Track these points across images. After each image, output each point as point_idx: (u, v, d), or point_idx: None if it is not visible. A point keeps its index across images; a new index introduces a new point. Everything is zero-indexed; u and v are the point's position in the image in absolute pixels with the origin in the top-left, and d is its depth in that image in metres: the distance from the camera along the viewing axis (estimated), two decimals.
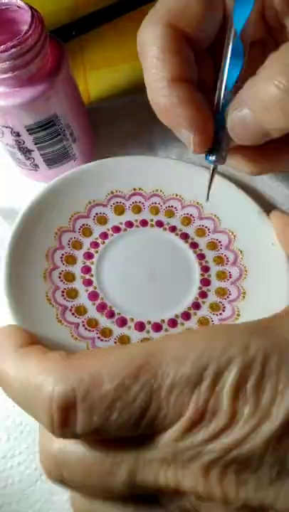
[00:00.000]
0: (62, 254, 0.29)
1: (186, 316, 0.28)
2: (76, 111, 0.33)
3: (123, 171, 0.32)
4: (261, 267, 0.30)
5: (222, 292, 0.29)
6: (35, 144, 0.31)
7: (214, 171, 0.28)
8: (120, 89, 0.41)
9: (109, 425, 0.18)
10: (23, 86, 0.28)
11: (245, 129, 0.24)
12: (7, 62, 0.27)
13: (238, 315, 0.28)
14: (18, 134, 0.30)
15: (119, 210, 0.31)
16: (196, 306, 0.29)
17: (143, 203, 0.32)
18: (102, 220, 0.31)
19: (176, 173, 0.33)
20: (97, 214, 0.31)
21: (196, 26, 0.25)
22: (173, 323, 0.28)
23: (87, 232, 0.30)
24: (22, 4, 0.28)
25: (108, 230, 0.31)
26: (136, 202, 0.32)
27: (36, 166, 0.33)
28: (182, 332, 0.20)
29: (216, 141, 0.26)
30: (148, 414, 0.17)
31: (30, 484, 0.26)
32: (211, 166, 0.28)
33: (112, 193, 0.32)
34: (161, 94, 0.25)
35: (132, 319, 0.28)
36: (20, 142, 0.31)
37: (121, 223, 0.31)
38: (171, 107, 0.25)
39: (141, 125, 0.38)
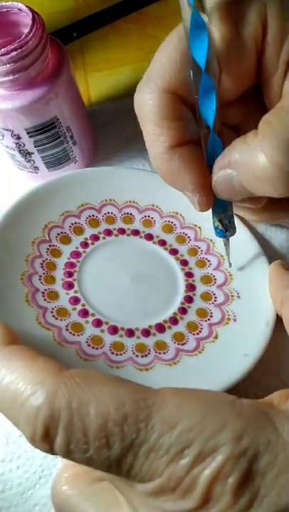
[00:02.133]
0: (43, 261, 0.29)
1: (174, 320, 0.28)
2: (77, 113, 0.32)
3: (94, 183, 0.32)
4: (247, 272, 0.30)
5: (208, 297, 0.29)
6: (36, 146, 0.31)
7: (228, 241, 0.29)
8: (121, 91, 0.41)
9: (84, 458, 0.17)
10: (23, 89, 0.28)
11: (230, 189, 0.25)
12: (8, 65, 0.27)
13: (228, 319, 0.28)
14: (18, 137, 0.30)
15: (94, 223, 0.31)
16: (183, 310, 0.29)
17: (115, 214, 0.32)
18: (78, 230, 0.31)
19: (152, 184, 0.33)
20: (72, 224, 0.31)
21: (191, 90, 0.25)
22: (160, 328, 0.28)
23: (65, 240, 0.30)
24: (23, 7, 0.28)
25: (86, 239, 0.31)
26: (108, 212, 0.32)
27: (36, 168, 0.33)
28: (180, 389, 0.19)
29: (219, 205, 0.27)
30: (123, 463, 0.17)
31: (29, 488, 0.26)
32: (223, 240, 0.29)
33: (82, 205, 0.32)
34: (163, 160, 0.26)
35: (108, 322, 0.27)
36: (20, 145, 0.31)
37: (100, 233, 0.31)
38: (173, 172, 0.26)
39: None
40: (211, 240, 0.31)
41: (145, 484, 0.17)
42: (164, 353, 0.27)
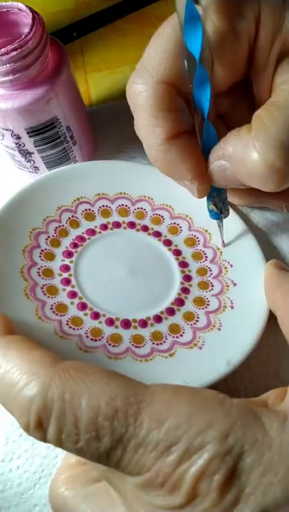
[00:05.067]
0: (41, 251, 0.29)
1: (171, 311, 0.28)
2: (77, 113, 0.32)
3: (91, 176, 0.32)
4: (242, 263, 0.30)
5: (204, 286, 0.30)
6: (36, 146, 0.31)
7: (222, 223, 0.30)
8: (121, 91, 0.40)
9: (75, 448, 0.18)
10: (23, 89, 0.28)
11: (224, 178, 0.26)
12: (8, 65, 0.27)
13: (225, 307, 0.28)
14: (18, 137, 0.30)
15: (89, 216, 0.31)
16: (180, 302, 0.29)
17: (110, 207, 0.32)
18: (74, 223, 0.31)
19: (144, 176, 0.33)
20: (69, 218, 0.31)
21: (185, 80, 0.25)
22: (158, 319, 0.28)
23: (63, 233, 0.30)
24: (23, 7, 0.28)
25: (83, 233, 0.31)
26: (103, 206, 0.32)
27: (36, 168, 0.33)
28: (170, 386, 0.19)
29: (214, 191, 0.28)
30: (112, 456, 0.17)
31: (29, 488, 0.26)
32: (217, 222, 0.30)
33: (77, 199, 0.32)
34: (159, 151, 0.26)
35: (104, 314, 0.28)
36: (20, 145, 0.31)
37: (96, 226, 0.31)
38: (171, 163, 0.26)
39: None
40: (207, 231, 0.32)
41: (134, 477, 0.17)
42: (160, 343, 0.27)
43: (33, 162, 0.33)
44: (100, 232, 0.31)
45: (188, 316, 0.28)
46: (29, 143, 0.31)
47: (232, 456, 0.17)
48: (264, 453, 0.17)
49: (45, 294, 0.28)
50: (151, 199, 0.32)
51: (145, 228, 0.31)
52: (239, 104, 0.29)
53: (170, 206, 0.32)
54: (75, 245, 0.30)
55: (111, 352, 0.26)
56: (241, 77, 0.27)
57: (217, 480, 0.17)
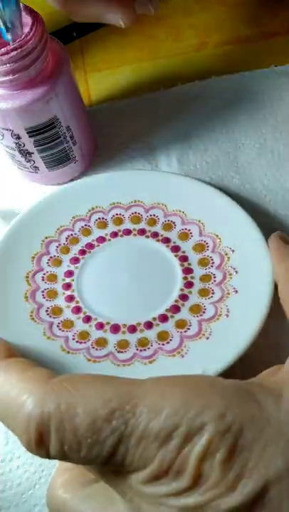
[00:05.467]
0: (49, 259, 0.31)
1: (176, 308, 0.29)
2: (77, 113, 0.32)
3: (102, 188, 0.34)
4: (247, 267, 0.30)
5: (205, 293, 0.29)
6: (36, 146, 0.31)
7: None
8: (121, 91, 0.40)
9: (79, 457, 0.18)
10: (23, 88, 0.28)
11: None
12: (7, 65, 0.27)
13: (220, 314, 0.28)
14: (18, 137, 0.30)
15: (102, 224, 0.32)
16: (178, 305, 0.29)
17: (123, 215, 0.33)
18: (86, 231, 0.32)
19: (153, 184, 0.33)
20: (82, 227, 0.32)
21: None
22: (163, 318, 0.28)
23: (73, 241, 0.32)
24: (23, 7, 0.28)
25: (93, 240, 0.32)
26: (117, 214, 0.33)
27: (36, 168, 0.33)
28: (162, 378, 0.19)
29: None
30: (116, 456, 0.18)
31: (29, 488, 0.26)
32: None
33: (92, 208, 0.33)
34: None
35: (125, 325, 0.28)
36: (20, 145, 0.31)
37: (106, 234, 0.32)
38: None
39: (142, 127, 0.38)
40: (200, 221, 0.32)
41: (140, 473, 0.18)
42: (167, 342, 0.27)
43: (33, 162, 0.33)
44: (109, 240, 0.32)
45: (182, 324, 0.28)
46: (29, 143, 0.31)
47: (232, 433, 0.17)
48: (263, 428, 0.17)
49: (50, 316, 0.29)
50: (165, 205, 0.33)
51: (155, 234, 0.32)
52: None
53: (183, 212, 0.32)
54: (83, 252, 0.31)
55: (120, 359, 0.27)
56: None
57: (219, 458, 0.17)
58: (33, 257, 0.31)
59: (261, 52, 0.42)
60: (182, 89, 0.40)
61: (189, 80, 0.40)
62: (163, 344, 0.27)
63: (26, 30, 0.27)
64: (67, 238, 0.32)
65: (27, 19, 0.28)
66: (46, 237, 0.32)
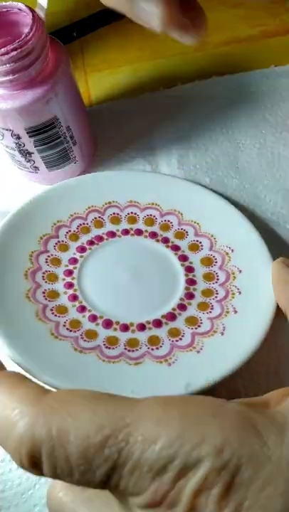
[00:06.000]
0: (48, 257, 0.30)
1: (172, 316, 0.28)
2: (76, 113, 0.32)
3: (102, 186, 0.33)
4: (249, 267, 0.30)
5: (209, 293, 0.30)
6: (36, 146, 0.31)
7: None
8: (121, 91, 0.40)
9: (73, 481, 0.18)
10: (23, 89, 0.28)
11: None
12: (8, 65, 0.27)
13: (228, 312, 0.28)
14: (18, 137, 0.30)
15: (99, 223, 0.32)
16: (182, 306, 0.29)
17: (120, 214, 0.33)
18: (85, 229, 0.32)
19: (153, 185, 0.34)
20: (80, 225, 0.32)
21: None
22: (158, 323, 0.28)
23: (72, 237, 0.32)
24: (23, 7, 0.28)
25: (92, 238, 0.32)
26: (114, 213, 0.33)
27: (36, 168, 0.33)
28: (160, 400, 0.18)
29: None
30: (110, 483, 0.17)
31: (29, 488, 0.26)
32: None
33: (88, 208, 0.33)
34: None
35: (118, 322, 0.28)
36: (20, 145, 0.31)
37: (103, 233, 0.32)
38: None
39: (142, 127, 0.38)
40: (197, 223, 0.32)
41: (133, 498, 0.17)
42: (156, 348, 0.27)
43: (33, 162, 0.33)
44: (107, 239, 0.32)
45: (175, 333, 0.28)
46: (29, 143, 0.31)
47: (229, 470, 0.16)
48: (262, 466, 0.16)
49: (56, 315, 0.28)
50: (159, 206, 0.33)
51: (153, 235, 0.32)
52: None
53: (179, 212, 0.33)
54: (83, 249, 0.31)
55: (131, 357, 0.27)
56: None
57: (214, 494, 0.16)
58: (31, 255, 0.30)
59: (261, 52, 0.42)
60: (182, 89, 0.40)
61: (189, 80, 0.40)
62: (152, 349, 0.27)
63: (26, 30, 0.27)
64: (66, 234, 0.32)
65: (27, 19, 0.28)
66: (44, 234, 0.31)
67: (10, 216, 0.31)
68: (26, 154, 0.32)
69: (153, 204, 0.33)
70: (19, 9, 0.29)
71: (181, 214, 0.32)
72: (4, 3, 0.29)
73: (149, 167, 0.36)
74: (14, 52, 0.26)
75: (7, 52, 0.26)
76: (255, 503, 0.16)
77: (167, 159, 0.36)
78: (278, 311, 0.28)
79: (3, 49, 0.26)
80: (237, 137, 0.37)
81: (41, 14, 0.28)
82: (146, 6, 0.23)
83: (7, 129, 0.30)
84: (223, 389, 0.27)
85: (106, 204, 0.33)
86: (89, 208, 0.33)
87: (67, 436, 0.17)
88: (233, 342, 0.27)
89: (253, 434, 0.17)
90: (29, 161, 0.33)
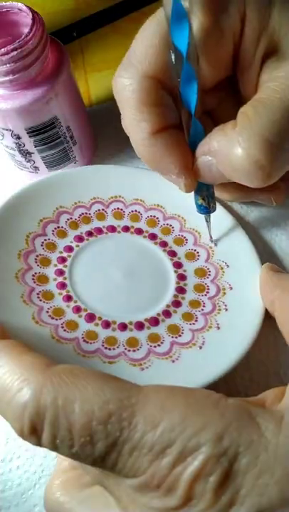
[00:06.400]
0: (37, 256, 0.29)
1: (167, 313, 0.28)
2: (76, 113, 0.32)
3: (86, 180, 0.33)
4: (235, 263, 0.30)
5: (201, 288, 0.29)
6: (36, 146, 0.31)
7: (210, 217, 0.30)
8: None
9: (70, 453, 0.18)
10: (23, 89, 0.28)
11: (210, 174, 0.26)
12: (7, 65, 0.27)
13: (220, 309, 0.28)
14: (18, 137, 0.30)
15: (86, 219, 0.32)
16: (176, 303, 0.29)
17: (105, 210, 0.32)
18: (73, 224, 0.31)
19: (137, 180, 0.33)
20: (67, 220, 0.31)
21: (171, 74, 0.25)
22: (155, 321, 0.28)
23: (61, 234, 0.31)
24: (23, 7, 0.28)
25: (81, 233, 0.31)
26: (99, 210, 0.32)
27: (36, 168, 0.33)
28: (164, 389, 0.19)
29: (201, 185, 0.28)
30: (107, 460, 0.17)
31: (29, 488, 0.26)
32: (204, 216, 0.30)
33: (75, 203, 0.32)
34: (145, 146, 0.26)
35: (100, 317, 0.27)
36: (20, 145, 0.31)
37: (92, 228, 0.31)
38: (156, 158, 0.26)
39: None
40: (182, 218, 0.32)
41: (130, 480, 0.17)
42: (158, 345, 0.27)
43: (33, 162, 0.33)
44: (95, 236, 0.31)
45: (187, 317, 0.28)
46: (29, 143, 0.31)
47: (227, 457, 0.17)
48: (259, 454, 0.17)
49: (40, 300, 0.28)
50: (143, 201, 0.33)
51: (139, 231, 0.32)
52: (226, 100, 0.29)
53: (162, 207, 0.32)
54: (70, 249, 0.30)
55: (107, 355, 0.26)
56: (227, 74, 0.27)
57: (212, 481, 0.17)
58: (19, 254, 0.29)
59: None
60: None
61: None
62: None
63: (26, 30, 0.27)
64: (53, 231, 0.31)
65: (27, 19, 0.28)
66: (30, 232, 0.30)
67: (11, 196, 0.30)
68: (26, 154, 0.32)
69: (137, 200, 0.33)
70: (19, 9, 0.29)
71: (185, 220, 0.32)
72: (4, 3, 0.29)
73: None
74: (14, 53, 0.27)
75: (7, 53, 0.26)
76: (252, 491, 0.16)
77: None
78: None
79: (3, 49, 0.27)
80: None
81: None
82: (263, 197, 0.30)
83: (7, 129, 0.30)
84: (223, 389, 0.27)
85: (111, 198, 0.32)
86: (94, 198, 0.32)
87: (73, 407, 0.17)
88: (230, 337, 0.27)
89: (251, 425, 0.18)
90: (29, 161, 0.33)
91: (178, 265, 0.30)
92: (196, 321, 0.28)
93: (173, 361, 0.26)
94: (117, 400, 0.18)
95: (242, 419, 0.18)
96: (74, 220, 0.31)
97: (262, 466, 0.17)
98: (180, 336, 0.27)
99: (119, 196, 0.33)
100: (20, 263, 0.29)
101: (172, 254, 0.31)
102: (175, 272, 0.30)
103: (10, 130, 0.30)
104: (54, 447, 0.18)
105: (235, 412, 0.18)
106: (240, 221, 0.32)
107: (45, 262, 0.29)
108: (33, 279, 0.28)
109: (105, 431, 0.17)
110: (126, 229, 0.32)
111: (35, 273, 0.29)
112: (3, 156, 0.34)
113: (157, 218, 0.32)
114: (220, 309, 0.28)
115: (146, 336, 0.27)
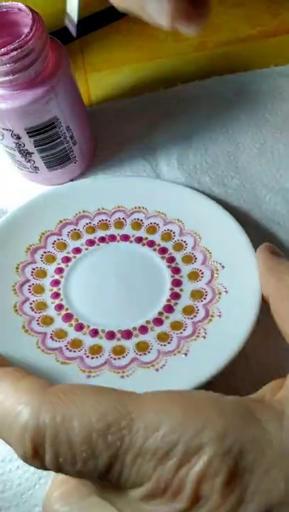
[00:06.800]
0: (30, 286, 0.30)
1: (158, 321, 0.28)
2: (76, 113, 0.32)
3: (90, 192, 0.33)
4: (232, 265, 0.30)
5: (197, 295, 0.29)
6: (36, 146, 0.31)
7: None
8: (121, 91, 0.40)
9: (74, 471, 0.18)
10: (23, 89, 0.28)
11: None
12: (7, 65, 0.27)
13: (212, 316, 0.28)
14: (18, 137, 0.30)
15: (90, 229, 0.32)
16: (169, 308, 0.29)
17: (109, 220, 0.32)
18: (61, 245, 0.32)
19: (158, 192, 0.33)
20: (54, 242, 0.32)
21: None
22: (144, 329, 0.28)
23: (61, 246, 0.31)
24: (23, 7, 0.28)
25: (69, 253, 0.31)
26: (102, 220, 0.32)
27: (36, 168, 0.33)
28: (161, 393, 0.19)
29: None
30: (112, 472, 0.17)
31: (28, 488, 0.26)
32: None
33: (79, 213, 0.33)
34: None
35: (103, 330, 0.28)
36: (20, 145, 0.31)
37: (82, 244, 0.31)
38: None
39: (142, 127, 0.38)
40: (181, 221, 0.32)
41: (136, 489, 0.17)
42: (144, 354, 0.27)
43: (33, 162, 0.33)
44: (98, 244, 0.31)
45: (176, 325, 0.28)
46: (29, 143, 0.31)
47: (232, 455, 0.17)
48: (265, 450, 0.17)
49: (33, 310, 0.28)
50: (145, 209, 0.33)
51: (139, 239, 0.32)
52: None
53: (163, 213, 0.32)
54: (67, 259, 0.31)
55: (115, 366, 0.26)
56: None
57: (219, 481, 0.16)
58: (17, 267, 0.30)
59: (261, 52, 0.42)
60: (182, 89, 0.40)
61: (189, 80, 0.40)
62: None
63: (26, 30, 0.27)
64: (53, 244, 0.31)
65: (27, 19, 0.28)
66: (30, 245, 0.31)
67: (13, 210, 0.31)
68: (26, 154, 0.32)
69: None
70: (19, 9, 0.29)
71: (183, 224, 0.32)
72: (4, 3, 0.29)
73: (149, 167, 0.36)
74: (14, 53, 0.26)
75: (7, 53, 0.26)
76: (260, 487, 0.16)
77: (167, 159, 0.36)
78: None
79: (3, 49, 0.26)
80: (237, 137, 0.37)
81: (72, 30, 0.28)
82: (153, 8, 0.24)
83: (7, 129, 0.30)
84: (223, 389, 0.27)
85: (96, 211, 0.33)
86: (79, 213, 0.33)
87: (71, 423, 0.17)
88: (215, 344, 0.26)
89: (252, 421, 0.17)
90: (29, 161, 0.33)
91: (175, 271, 0.30)
92: (184, 329, 0.28)
93: (157, 370, 0.26)
94: (114, 410, 0.17)
95: (242, 415, 0.18)
96: (62, 240, 0.32)
97: (268, 461, 0.17)
98: (169, 343, 0.27)
99: (121, 206, 0.33)
100: (17, 275, 0.29)
101: (170, 260, 0.31)
102: (168, 266, 0.30)
103: (10, 130, 0.30)
104: (58, 467, 0.18)
105: (235, 409, 0.18)
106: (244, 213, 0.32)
107: (42, 274, 0.30)
108: (29, 289, 0.29)
109: (106, 442, 0.17)
110: (126, 238, 0.32)
111: (32, 284, 0.29)
112: (3, 156, 0.34)
113: (158, 225, 0.32)
114: (212, 315, 0.28)
115: (133, 344, 0.27)
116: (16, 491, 0.26)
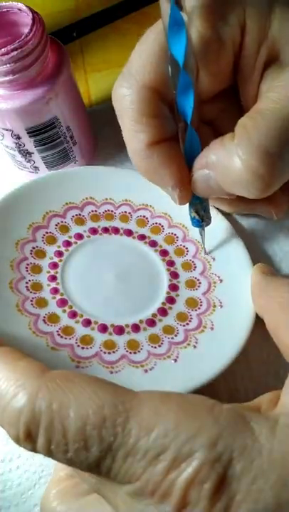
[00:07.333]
0: (28, 264, 0.29)
1: (163, 311, 0.28)
2: (76, 113, 0.32)
3: (76, 182, 0.32)
4: (231, 280, 0.30)
5: (192, 303, 0.29)
6: (36, 146, 0.31)
7: (204, 231, 0.30)
8: None
9: (65, 458, 0.18)
10: (23, 89, 0.28)
11: (207, 188, 0.26)
12: (7, 65, 0.27)
13: (205, 327, 0.28)
14: (18, 137, 0.30)
15: (79, 221, 0.31)
16: (163, 311, 0.28)
17: (97, 211, 0.32)
18: (64, 228, 0.31)
19: (126, 181, 0.33)
20: (57, 224, 0.31)
21: (169, 86, 0.25)
22: (136, 327, 0.27)
23: (51, 240, 0.30)
24: (23, 7, 0.28)
25: (70, 237, 0.30)
26: (92, 211, 0.32)
27: (36, 168, 0.33)
28: (158, 394, 0.19)
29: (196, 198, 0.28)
30: (102, 465, 0.17)
31: (29, 488, 0.26)
32: (199, 230, 0.30)
33: (86, 198, 0.32)
34: (142, 157, 0.26)
35: (96, 322, 0.27)
36: (20, 145, 0.31)
37: (85, 231, 0.31)
38: (153, 169, 0.26)
39: None
40: (185, 227, 0.32)
41: (126, 486, 0.17)
42: (134, 352, 0.26)
43: (33, 162, 0.33)
44: (88, 237, 0.31)
45: (181, 317, 0.28)
46: (29, 143, 0.31)
47: (221, 463, 0.17)
48: (254, 459, 0.17)
49: (34, 307, 0.27)
50: (152, 207, 0.32)
51: (129, 232, 0.31)
52: (228, 110, 0.28)
53: (151, 206, 0.32)
54: (60, 254, 0.30)
55: (105, 360, 0.26)
56: (228, 84, 0.27)
57: (207, 488, 0.16)
58: (17, 243, 0.29)
59: None
60: None
61: None
62: (131, 353, 0.26)
63: (26, 30, 0.27)
64: (43, 237, 0.30)
65: (27, 19, 0.28)
66: (33, 223, 0.30)
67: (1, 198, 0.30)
68: (26, 154, 0.32)
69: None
70: (19, 9, 0.29)
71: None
72: (4, 3, 0.29)
73: None
74: (14, 53, 0.27)
75: (7, 53, 0.26)
76: (247, 497, 0.16)
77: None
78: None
79: (3, 49, 0.27)
80: None
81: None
82: (263, 209, 0.31)
83: (7, 129, 0.30)
84: (223, 389, 0.27)
85: (103, 200, 0.32)
86: (86, 199, 0.32)
87: (68, 411, 0.17)
88: (206, 355, 0.26)
89: (245, 430, 0.17)
90: (29, 161, 0.33)
91: (170, 263, 0.30)
92: (176, 335, 0.27)
93: (146, 371, 0.26)
94: (111, 405, 0.18)
95: (236, 424, 0.18)
96: (64, 223, 0.31)
97: (256, 471, 0.17)
98: (159, 346, 0.27)
99: (110, 198, 0.32)
100: (13, 272, 0.28)
101: (163, 253, 0.31)
102: (167, 270, 0.30)
103: (10, 130, 0.30)
104: (49, 453, 0.18)
105: (229, 417, 0.18)
106: (239, 233, 0.32)
107: (41, 254, 0.29)
108: (26, 268, 0.28)
109: (99, 436, 0.17)
110: (116, 230, 0.31)
111: (30, 263, 0.29)
112: (3, 156, 0.34)
113: (146, 218, 0.32)
114: (205, 326, 0.28)
115: (124, 341, 0.27)
116: (16, 490, 0.26)
